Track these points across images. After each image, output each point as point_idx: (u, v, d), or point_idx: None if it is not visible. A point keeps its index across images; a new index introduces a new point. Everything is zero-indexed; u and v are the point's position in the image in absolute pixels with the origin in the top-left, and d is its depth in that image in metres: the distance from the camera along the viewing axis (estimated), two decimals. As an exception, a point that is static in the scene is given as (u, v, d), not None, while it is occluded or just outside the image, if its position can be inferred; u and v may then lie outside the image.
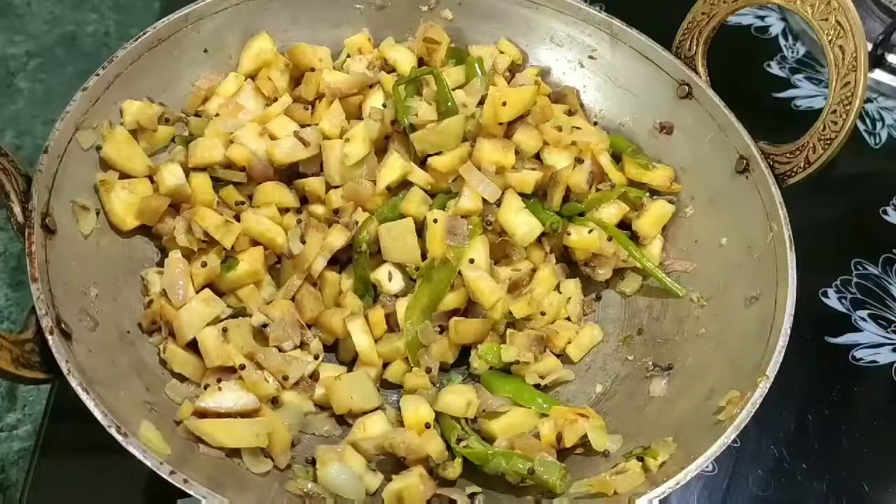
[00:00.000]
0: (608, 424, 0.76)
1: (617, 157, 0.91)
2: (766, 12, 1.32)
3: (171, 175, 0.81)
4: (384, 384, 0.81)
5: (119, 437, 0.60)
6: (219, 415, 0.70)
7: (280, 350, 0.78)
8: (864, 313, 0.98)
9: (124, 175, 0.81)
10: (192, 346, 0.76)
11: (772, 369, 0.68)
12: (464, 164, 0.85)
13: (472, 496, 0.69)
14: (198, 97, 0.89)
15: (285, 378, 0.76)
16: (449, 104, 0.86)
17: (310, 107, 0.90)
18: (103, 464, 0.78)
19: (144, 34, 0.82)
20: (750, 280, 0.78)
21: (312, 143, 0.85)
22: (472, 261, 0.80)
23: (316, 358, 0.80)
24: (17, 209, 0.67)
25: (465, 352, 0.82)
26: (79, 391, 0.61)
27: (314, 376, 0.79)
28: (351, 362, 0.82)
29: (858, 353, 0.94)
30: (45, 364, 0.63)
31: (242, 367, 0.74)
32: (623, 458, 0.70)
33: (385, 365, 0.80)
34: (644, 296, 0.89)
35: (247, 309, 0.80)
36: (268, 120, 0.86)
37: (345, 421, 0.77)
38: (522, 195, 0.86)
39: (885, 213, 1.09)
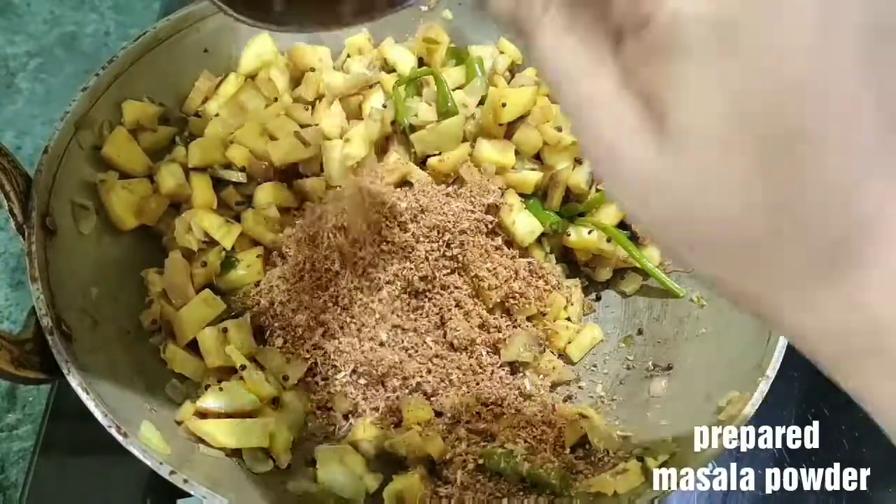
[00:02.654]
0: (608, 424, 0.76)
1: (617, 158, 0.91)
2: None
3: (171, 175, 0.81)
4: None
5: (119, 437, 0.60)
6: (219, 415, 0.70)
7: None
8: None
9: (124, 175, 0.81)
10: (193, 346, 0.76)
11: (772, 369, 0.68)
12: (464, 165, 0.85)
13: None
14: (198, 97, 0.89)
15: (286, 378, 0.77)
16: (449, 105, 0.86)
17: (310, 107, 0.90)
18: (103, 464, 0.78)
19: (144, 34, 0.82)
20: (750, 280, 0.78)
21: (312, 143, 0.85)
22: (472, 261, 0.80)
23: (316, 358, 0.80)
24: (17, 209, 0.67)
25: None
26: (79, 391, 0.61)
27: (314, 376, 0.79)
28: (351, 362, 0.82)
29: (858, 353, 0.94)
30: (45, 364, 0.63)
31: (243, 367, 0.74)
32: (623, 458, 0.70)
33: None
34: (644, 296, 0.89)
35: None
36: (268, 120, 0.86)
37: (345, 421, 0.77)
38: (522, 195, 0.87)
39: (885, 213, 1.08)
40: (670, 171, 0.29)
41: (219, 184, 0.84)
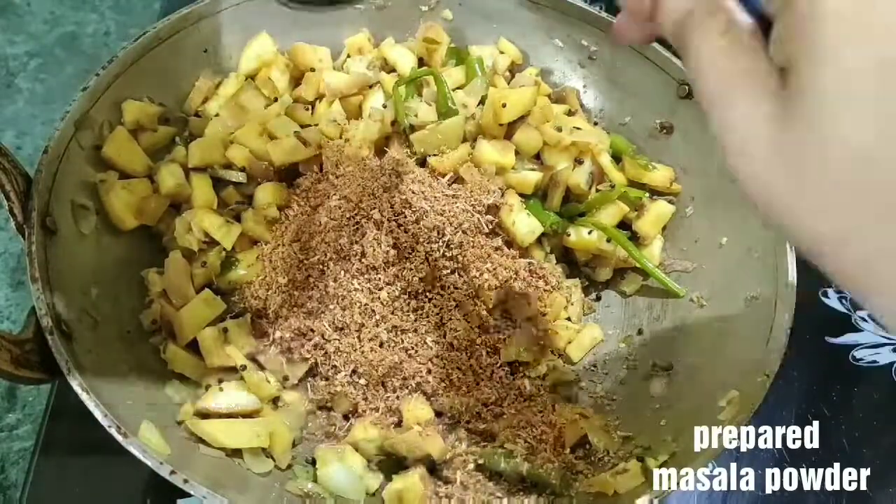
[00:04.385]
0: (608, 424, 0.76)
1: (617, 158, 0.91)
2: (765, 12, 1.31)
3: (171, 175, 0.81)
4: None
5: (119, 437, 0.60)
6: (220, 415, 0.70)
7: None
8: (864, 313, 0.98)
9: (124, 175, 0.81)
10: (193, 346, 0.76)
11: (772, 369, 0.68)
12: (464, 165, 0.85)
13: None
14: (198, 97, 0.89)
15: (286, 378, 0.77)
16: (449, 105, 0.86)
17: (310, 107, 0.90)
18: (103, 464, 0.78)
19: (144, 34, 0.82)
20: (750, 280, 0.78)
21: (312, 143, 0.85)
22: (472, 261, 0.80)
23: (316, 358, 0.80)
24: (17, 209, 0.67)
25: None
26: (79, 391, 0.61)
27: (314, 376, 0.79)
28: (351, 362, 0.82)
29: (858, 353, 0.94)
30: (45, 364, 0.63)
31: (243, 367, 0.74)
32: (623, 458, 0.70)
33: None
34: (644, 296, 0.89)
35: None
36: (268, 120, 0.86)
37: (345, 421, 0.77)
38: (522, 195, 0.87)
39: (885, 213, 1.08)
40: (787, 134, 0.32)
41: (219, 184, 0.84)
